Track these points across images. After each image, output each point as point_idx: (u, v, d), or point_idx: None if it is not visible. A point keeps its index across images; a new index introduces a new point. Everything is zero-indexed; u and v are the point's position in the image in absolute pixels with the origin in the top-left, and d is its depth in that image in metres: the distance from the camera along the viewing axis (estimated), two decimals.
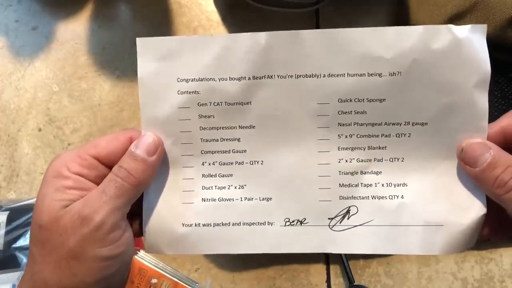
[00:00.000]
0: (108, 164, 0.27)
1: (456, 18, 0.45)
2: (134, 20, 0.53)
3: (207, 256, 0.46)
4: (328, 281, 0.46)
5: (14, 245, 0.44)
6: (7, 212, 0.45)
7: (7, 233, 0.44)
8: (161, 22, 0.53)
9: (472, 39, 0.26)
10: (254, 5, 0.49)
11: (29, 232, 0.44)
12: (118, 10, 0.53)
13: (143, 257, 0.43)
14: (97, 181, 0.27)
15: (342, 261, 0.45)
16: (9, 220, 0.45)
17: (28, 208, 0.46)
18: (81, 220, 0.24)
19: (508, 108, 0.46)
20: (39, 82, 0.51)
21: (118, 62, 0.51)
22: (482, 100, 0.27)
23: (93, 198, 0.25)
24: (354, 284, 0.44)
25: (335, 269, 0.46)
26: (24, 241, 0.44)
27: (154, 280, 0.43)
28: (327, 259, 0.47)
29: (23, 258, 0.44)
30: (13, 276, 0.43)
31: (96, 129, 0.49)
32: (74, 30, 0.52)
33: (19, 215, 0.45)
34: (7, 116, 0.50)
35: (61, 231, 0.24)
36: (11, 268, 0.43)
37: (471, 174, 0.26)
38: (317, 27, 0.52)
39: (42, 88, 0.51)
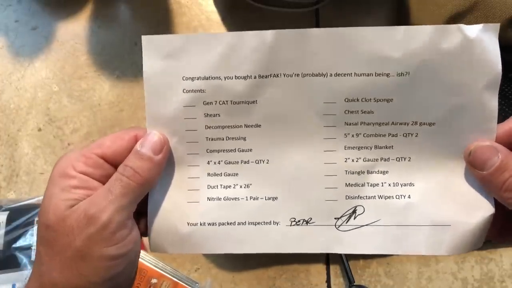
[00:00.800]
0: (114, 163, 0.27)
1: (456, 18, 0.45)
2: (134, 20, 0.53)
3: (207, 256, 0.46)
4: (328, 281, 0.46)
5: (14, 245, 0.44)
6: (7, 212, 0.45)
7: (7, 233, 0.44)
8: (161, 22, 0.53)
9: (483, 39, 0.26)
10: (254, 5, 0.49)
11: (29, 232, 0.44)
12: (118, 10, 0.53)
13: (143, 257, 0.43)
14: (103, 180, 0.26)
15: (342, 261, 0.45)
16: (9, 220, 0.45)
17: (28, 208, 0.46)
18: (87, 219, 0.24)
19: (508, 108, 0.46)
20: (39, 82, 0.51)
21: (118, 62, 0.51)
22: (492, 102, 0.26)
23: (99, 197, 0.25)
24: (354, 284, 0.44)
25: (335, 269, 0.46)
26: (24, 241, 0.44)
27: (154, 280, 0.43)
28: (327, 259, 0.47)
29: (23, 258, 0.44)
30: (13, 276, 0.43)
31: (96, 129, 0.49)
32: (74, 30, 0.52)
33: (19, 215, 0.45)
34: (7, 116, 0.50)
35: (68, 231, 0.24)
36: (11, 268, 0.43)
37: (479, 177, 0.26)
38: (317, 27, 0.53)
39: (42, 88, 0.51)
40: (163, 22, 0.52)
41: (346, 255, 0.45)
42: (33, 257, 0.44)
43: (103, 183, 0.26)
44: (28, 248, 0.44)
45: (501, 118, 0.27)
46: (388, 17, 0.52)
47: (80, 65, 0.51)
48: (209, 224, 0.28)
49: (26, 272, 0.43)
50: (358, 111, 0.27)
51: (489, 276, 0.46)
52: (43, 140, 0.50)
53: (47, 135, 0.50)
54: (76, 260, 0.24)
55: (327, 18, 0.52)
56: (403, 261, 0.46)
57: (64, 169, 0.26)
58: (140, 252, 0.27)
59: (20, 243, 0.44)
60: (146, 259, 0.43)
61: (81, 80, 0.51)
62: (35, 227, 0.44)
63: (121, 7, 0.53)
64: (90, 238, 0.24)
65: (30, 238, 0.44)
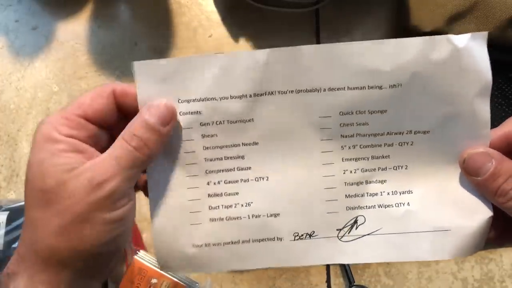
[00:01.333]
0: (96, 122, 0.26)
1: (456, 18, 0.45)
2: (134, 20, 0.53)
3: None
4: (328, 281, 0.46)
5: (14, 245, 0.44)
6: (7, 212, 0.45)
7: (7, 233, 0.44)
8: (161, 22, 0.53)
9: (472, 48, 0.26)
10: (254, 5, 0.49)
11: None
12: (118, 10, 0.53)
13: (143, 257, 0.43)
14: (89, 141, 0.26)
15: None
16: (9, 220, 0.45)
17: None
18: (92, 187, 0.24)
19: (508, 108, 0.46)
20: (39, 82, 0.51)
21: (118, 62, 0.51)
22: (484, 109, 0.26)
23: (104, 165, 0.25)
24: (354, 284, 0.44)
25: (335, 269, 0.46)
26: None
27: (154, 280, 0.43)
28: None
29: None
30: None
31: None
32: (74, 30, 0.52)
33: (19, 215, 0.45)
34: (7, 116, 0.50)
35: (69, 195, 0.24)
36: None
37: (474, 183, 0.26)
38: (317, 27, 0.53)
39: (42, 88, 0.51)
40: (163, 22, 0.52)
41: None
42: None
43: (90, 144, 0.26)
44: None
45: (502, 117, 0.27)
46: (388, 17, 0.52)
47: (80, 65, 0.51)
48: (213, 244, 0.29)
49: None
50: (353, 123, 0.28)
51: (489, 276, 0.46)
52: None
53: None
54: (76, 223, 0.24)
55: (327, 18, 0.52)
56: (403, 261, 0.46)
57: (49, 134, 0.25)
58: (134, 217, 0.27)
59: None
60: (146, 259, 0.43)
61: (81, 80, 0.51)
62: None
63: (121, 7, 0.53)
64: (92, 203, 0.24)
65: None
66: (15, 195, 0.48)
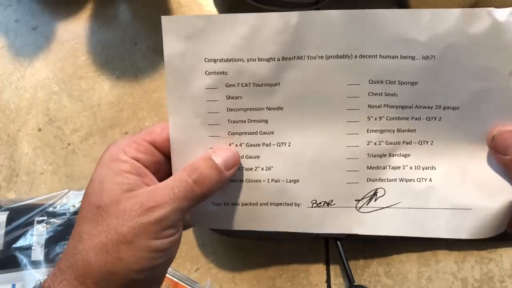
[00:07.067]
0: (163, 150, 0.28)
1: None
2: (134, 20, 0.53)
3: (207, 256, 0.46)
4: (328, 281, 0.46)
5: (14, 245, 0.44)
6: (7, 212, 0.45)
7: (7, 233, 0.44)
8: (161, 22, 0.52)
9: None
10: (254, 5, 0.49)
11: (29, 232, 0.44)
12: (118, 10, 0.53)
13: None
14: (152, 167, 0.27)
15: (342, 261, 0.45)
16: (9, 220, 0.45)
17: (28, 208, 0.45)
18: (142, 210, 0.24)
19: None
20: (39, 82, 0.51)
21: (118, 62, 0.51)
22: None
23: (160, 193, 0.25)
24: (354, 284, 0.44)
25: (335, 269, 0.46)
26: (24, 241, 0.44)
27: None
28: (327, 259, 0.47)
29: (23, 258, 0.44)
30: (13, 276, 0.43)
31: (96, 129, 0.49)
32: (74, 30, 0.52)
33: (19, 215, 0.45)
34: (7, 116, 0.50)
35: (119, 215, 0.24)
36: (11, 268, 0.43)
37: (501, 162, 0.26)
38: None
39: (42, 88, 0.51)
40: None
41: (346, 255, 0.45)
42: (33, 257, 0.44)
43: (152, 170, 0.27)
44: (28, 248, 0.44)
45: None
46: None
47: (80, 65, 0.51)
48: (232, 204, 0.29)
49: (26, 272, 0.43)
50: (381, 93, 0.27)
51: (489, 276, 0.46)
52: (43, 140, 0.50)
53: (47, 135, 0.50)
54: (119, 244, 0.24)
55: None
56: (403, 261, 0.46)
57: (116, 154, 0.26)
58: (176, 253, 0.27)
59: (20, 243, 0.44)
60: None
61: (81, 80, 0.51)
62: (35, 227, 0.44)
63: (121, 7, 0.53)
64: (140, 227, 0.24)
65: (30, 238, 0.44)
66: (15, 195, 0.48)
